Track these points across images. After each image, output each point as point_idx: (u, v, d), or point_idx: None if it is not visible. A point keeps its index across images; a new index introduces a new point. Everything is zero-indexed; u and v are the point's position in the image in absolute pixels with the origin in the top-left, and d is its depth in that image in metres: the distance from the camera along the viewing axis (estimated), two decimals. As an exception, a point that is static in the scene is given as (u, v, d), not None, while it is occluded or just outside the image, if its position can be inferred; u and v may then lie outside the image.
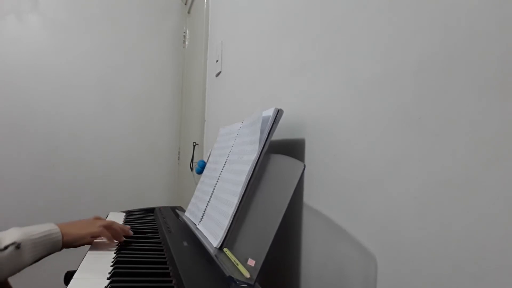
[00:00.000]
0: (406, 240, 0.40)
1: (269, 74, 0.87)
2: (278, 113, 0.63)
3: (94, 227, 0.74)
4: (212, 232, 0.66)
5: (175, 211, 1.05)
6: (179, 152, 2.37)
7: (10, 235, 0.64)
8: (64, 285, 0.58)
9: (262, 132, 0.64)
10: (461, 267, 0.33)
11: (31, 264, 0.66)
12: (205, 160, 0.98)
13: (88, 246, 0.74)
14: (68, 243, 0.71)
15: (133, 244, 0.74)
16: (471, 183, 0.33)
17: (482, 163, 0.32)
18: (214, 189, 0.77)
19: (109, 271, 0.59)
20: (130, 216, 1.04)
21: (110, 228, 0.75)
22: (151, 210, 1.15)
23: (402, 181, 0.42)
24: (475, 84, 0.33)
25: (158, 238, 0.80)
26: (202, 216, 0.76)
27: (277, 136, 0.75)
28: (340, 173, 0.55)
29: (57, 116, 2.13)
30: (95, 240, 0.76)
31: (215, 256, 0.57)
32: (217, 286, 0.51)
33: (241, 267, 0.51)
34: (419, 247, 0.39)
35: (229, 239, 0.61)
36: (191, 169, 1.77)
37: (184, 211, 0.94)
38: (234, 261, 0.54)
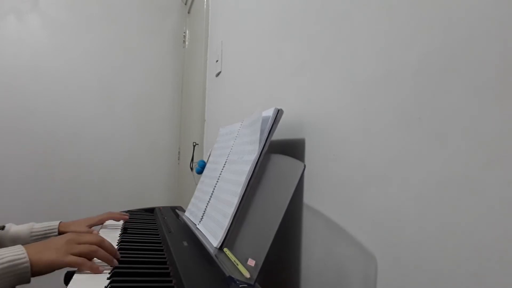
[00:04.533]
0: (406, 240, 0.40)
1: (269, 74, 0.87)
2: (278, 113, 0.63)
3: (70, 256, 0.59)
4: (212, 232, 0.66)
5: (175, 211, 1.05)
6: (179, 152, 2.37)
7: None
8: (64, 285, 0.58)
9: (262, 132, 0.64)
10: (461, 267, 0.33)
11: None
12: (205, 160, 0.98)
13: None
14: (38, 273, 0.58)
15: (133, 244, 0.74)
16: (471, 183, 0.33)
17: (482, 163, 0.32)
18: (214, 189, 0.77)
19: (109, 271, 0.59)
20: (130, 216, 1.04)
21: (95, 253, 0.61)
22: (151, 210, 1.15)
23: (402, 181, 0.42)
24: (475, 83, 0.33)
25: (158, 238, 0.80)
26: (202, 216, 0.76)
27: (277, 136, 0.75)
28: (340, 173, 0.55)
29: (57, 115, 2.13)
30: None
31: (215, 256, 0.57)
32: (217, 286, 0.51)
33: (241, 267, 0.51)
34: (419, 247, 0.39)
35: (229, 239, 0.61)
36: (191, 169, 1.77)
37: (184, 211, 0.94)
38: (234, 261, 0.54)
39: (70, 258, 0.59)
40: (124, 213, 1.01)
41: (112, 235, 0.82)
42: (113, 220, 0.96)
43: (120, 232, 0.85)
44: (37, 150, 2.09)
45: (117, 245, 0.74)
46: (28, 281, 0.57)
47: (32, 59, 2.09)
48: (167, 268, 0.60)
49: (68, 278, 0.58)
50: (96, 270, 0.58)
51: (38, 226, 0.87)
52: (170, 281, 0.55)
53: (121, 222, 0.97)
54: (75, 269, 0.60)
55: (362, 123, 0.50)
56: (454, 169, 0.35)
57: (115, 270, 0.59)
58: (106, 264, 0.61)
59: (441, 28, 0.37)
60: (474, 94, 0.33)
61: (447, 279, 0.35)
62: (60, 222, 0.89)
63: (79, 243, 0.61)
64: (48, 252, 0.59)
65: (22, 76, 2.07)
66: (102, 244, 0.63)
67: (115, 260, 0.61)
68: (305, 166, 0.54)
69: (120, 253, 0.67)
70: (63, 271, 0.66)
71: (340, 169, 0.55)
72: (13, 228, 0.86)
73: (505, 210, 0.29)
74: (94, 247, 0.61)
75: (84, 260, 0.59)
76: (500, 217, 0.30)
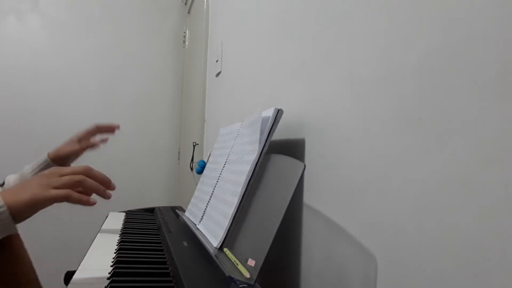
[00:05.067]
0: (406, 240, 0.40)
1: (269, 74, 0.87)
2: (278, 113, 0.63)
3: (52, 190, 0.51)
4: (212, 232, 0.66)
5: (175, 211, 1.05)
6: (179, 152, 2.37)
7: None
8: (64, 285, 0.58)
9: (262, 132, 0.64)
10: (461, 267, 0.33)
11: None
12: (205, 160, 0.98)
13: (89, 245, 0.74)
14: (20, 216, 0.50)
15: (133, 244, 0.74)
16: (471, 183, 0.33)
17: (482, 163, 0.32)
18: (214, 189, 0.77)
19: (109, 271, 0.59)
20: (130, 216, 1.04)
21: (82, 183, 0.54)
22: (151, 210, 1.15)
23: (402, 181, 0.42)
24: (475, 83, 0.33)
25: (158, 238, 0.80)
26: (202, 216, 0.76)
27: (277, 136, 0.75)
28: (340, 173, 0.55)
29: (57, 115, 2.13)
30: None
31: (215, 256, 0.57)
32: (217, 286, 0.51)
33: (241, 267, 0.51)
34: (419, 247, 0.39)
35: (229, 239, 0.61)
36: (191, 169, 1.77)
37: (184, 211, 0.94)
38: (234, 261, 0.54)
39: (52, 191, 0.50)
40: (113, 125, 0.96)
41: (112, 235, 0.82)
42: (103, 132, 0.94)
43: (120, 232, 0.85)
44: (37, 150, 2.08)
45: (117, 245, 0.74)
46: (15, 230, 0.50)
47: (32, 59, 2.09)
48: (167, 268, 0.60)
49: (68, 278, 0.58)
50: (86, 202, 0.51)
51: (30, 166, 0.87)
52: (170, 281, 0.55)
53: (121, 222, 0.96)
54: (75, 269, 0.60)
55: (362, 123, 0.50)
56: (454, 169, 0.35)
57: (115, 270, 0.58)
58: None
59: (441, 28, 0.37)
60: (474, 94, 0.33)
61: (447, 279, 0.35)
62: (48, 153, 0.89)
63: (62, 175, 0.53)
64: (27, 190, 0.50)
65: (22, 76, 2.07)
66: (89, 173, 0.55)
67: (108, 191, 0.55)
68: (305, 166, 0.54)
69: (120, 253, 0.67)
70: (63, 270, 0.66)
71: (340, 169, 0.55)
72: (12, 179, 0.85)
73: (505, 210, 0.29)
74: (79, 177, 0.53)
75: (70, 192, 0.51)
76: (500, 217, 0.30)
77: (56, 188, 0.51)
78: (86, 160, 2.39)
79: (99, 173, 0.56)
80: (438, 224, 0.36)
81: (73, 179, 0.52)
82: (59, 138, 2.10)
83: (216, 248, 0.61)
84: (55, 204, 0.53)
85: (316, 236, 0.60)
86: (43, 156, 0.88)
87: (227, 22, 1.36)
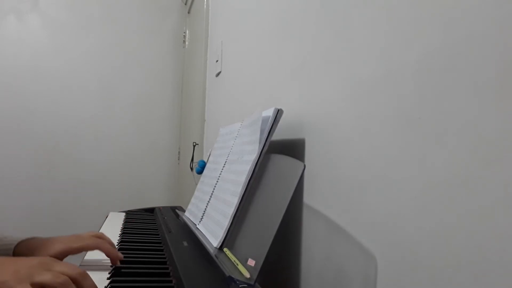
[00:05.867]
0: (406, 240, 0.40)
1: (269, 74, 0.87)
2: (278, 113, 0.63)
3: (25, 284, 0.41)
4: (212, 232, 0.66)
5: (175, 211, 1.05)
6: (179, 152, 2.37)
7: None
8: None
9: (262, 132, 0.64)
10: (461, 267, 0.33)
11: None
12: (205, 160, 0.98)
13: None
14: None
15: (133, 244, 0.74)
16: (471, 183, 0.33)
17: (482, 163, 0.32)
18: (214, 189, 0.77)
19: (109, 271, 0.59)
20: (130, 216, 1.04)
21: (65, 287, 0.43)
22: (151, 210, 1.15)
23: (402, 181, 0.42)
24: (475, 83, 0.33)
25: (158, 238, 0.80)
26: (202, 216, 0.76)
27: (277, 136, 0.75)
28: (340, 173, 0.55)
29: (57, 116, 2.13)
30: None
31: (215, 256, 0.57)
32: (217, 286, 0.51)
33: (241, 267, 0.51)
34: (419, 247, 0.39)
35: (229, 239, 0.61)
36: (191, 169, 1.77)
37: (184, 211, 0.94)
38: (234, 261, 0.54)
39: (23, 287, 0.41)
40: (118, 252, 0.62)
41: (112, 235, 0.82)
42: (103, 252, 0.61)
43: (120, 232, 0.85)
44: (37, 150, 2.09)
45: (117, 244, 0.74)
46: None
47: (32, 59, 2.09)
48: (167, 268, 0.60)
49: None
50: None
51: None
52: (170, 281, 0.55)
53: (121, 222, 0.96)
54: None
55: (362, 123, 0.50)
56: (454, 169, 0.35)
57: (115, 270, 0.58)
58: None
59: (441, 28, 0.37)
60: (474, 94, 0.33)
61: (447, 280, 0.35)
62: (20, 241, 0.61)
63: (49, 270, 0.44)
64: (3, 272, 0.42)
65: (22, 76, 2.07)
66: (81, 280, 0.45)
67: None
68: (305, 166, 0.54)
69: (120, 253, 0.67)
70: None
71: (340, 169, 0.55)
72: None
73: (505, 210, 0.29)
74: (63, 278, 0.43)
75: None
76: (500, 217, 0.30)
77: (34, 283, 0.42)
78: (87, 159, 2.38)
79: (91, 284, 0.46)
80: (438, 224, 0.36)
81: (56, 280, 0.43)
82: (59, 138, 2.11)
83: (216, 248, 0.61)
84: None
85: (316, 236, 0.60)
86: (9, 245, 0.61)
87: (227, 22, 1.36)
